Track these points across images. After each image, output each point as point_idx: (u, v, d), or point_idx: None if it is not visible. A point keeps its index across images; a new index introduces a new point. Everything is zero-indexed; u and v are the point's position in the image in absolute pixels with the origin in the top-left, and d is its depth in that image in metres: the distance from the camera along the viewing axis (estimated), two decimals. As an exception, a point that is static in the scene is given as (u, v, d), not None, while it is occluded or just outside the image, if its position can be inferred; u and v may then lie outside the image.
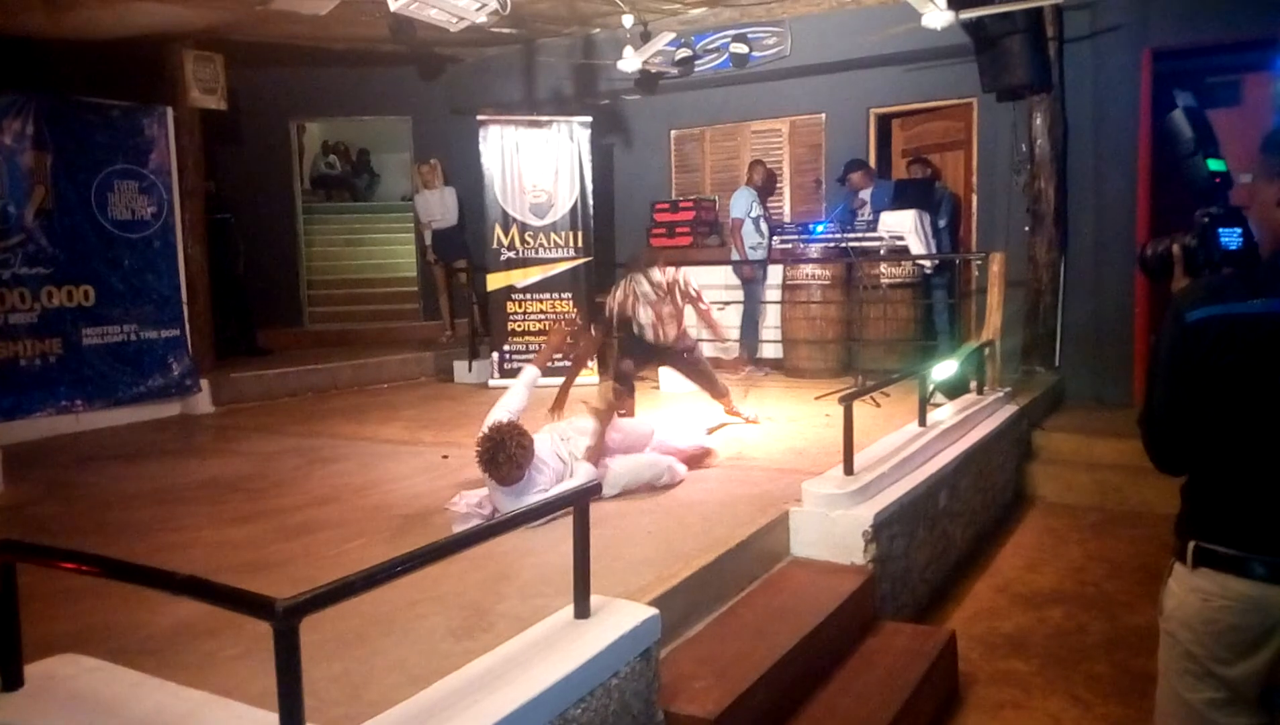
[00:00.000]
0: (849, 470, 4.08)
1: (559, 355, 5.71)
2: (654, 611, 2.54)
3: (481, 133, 8.09)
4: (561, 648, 2.32)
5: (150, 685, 2.21)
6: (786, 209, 9.11)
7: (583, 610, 2.48)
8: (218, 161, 9.08)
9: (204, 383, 7.21)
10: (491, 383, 7.98)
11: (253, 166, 10.15)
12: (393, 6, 4.73)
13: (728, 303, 8.03)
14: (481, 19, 4.89)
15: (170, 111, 7.15)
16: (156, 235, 6.96)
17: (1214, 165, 2.05)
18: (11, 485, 4.90)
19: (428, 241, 9.67)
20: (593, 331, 5.97)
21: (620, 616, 2.49)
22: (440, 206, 9.41)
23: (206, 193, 8.20)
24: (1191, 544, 1.86)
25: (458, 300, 9.59)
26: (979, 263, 7.31)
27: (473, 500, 4.04)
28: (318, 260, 11.52)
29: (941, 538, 4.68)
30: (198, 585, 1.88)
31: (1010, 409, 6.12)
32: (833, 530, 3.82)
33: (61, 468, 5.39)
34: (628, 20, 7.52)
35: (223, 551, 3.69)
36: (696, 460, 4.71)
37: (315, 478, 4.95)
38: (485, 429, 3.84)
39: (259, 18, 7.29)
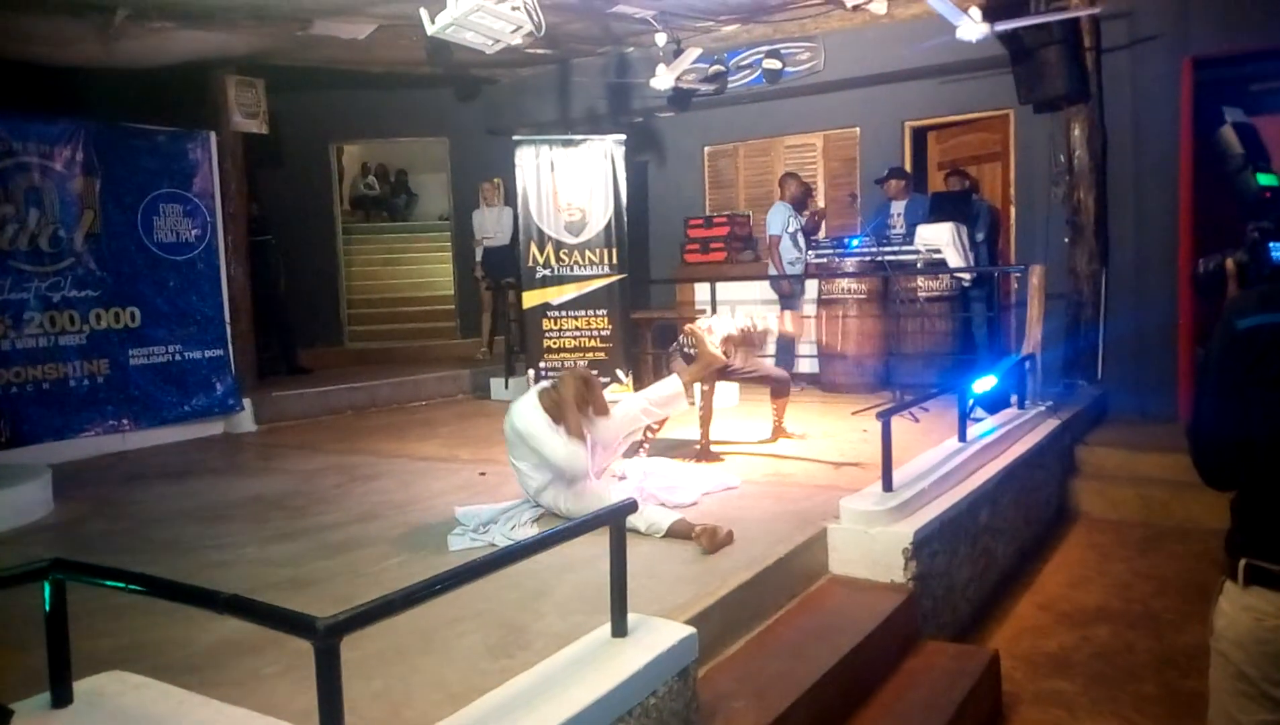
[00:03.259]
0: (888, 486, 4.03)
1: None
2: (691, 630, 2.53)
3: (517, 152, 8.16)
4: (599, 666, 2.32)
5: (194, 703, 2.24)
6: (821, 223, 9.07)
7: (620, 629, 2.47)
8: (259, 184, 9.25)
9: (246, 402, 7.33)
10: (528, 400, 8.02)
11: (293, 188, 10.34)
12: (430, 31, 4.80)
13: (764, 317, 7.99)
14: (516, 41, 4.94)
15: (213, 136, 7.31)
16: (200, 257, 7.10)
17: (1264, 180, 2.02)
18: (61, 503, 5.00)
19: (478, 258, 9.77)
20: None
21: (658, 635, 2.48)
22: (495, 224, 9.52)
23: (249, 215, 8.36)
24: (1243, 562, 1.82)
25: (499, 318, 9.68)
26: (1018, 275, 7.23)
27: (485, 515, 4.14)
28: (357, 280, 11.69)
29: (983, 555, 4.62)
30: (241, 604, 1.90)
31: (1052, 423, 6.03)
32: (872, 547, 3.79)
33: (108, 486, 5.50)
34: (660, 38, 7.57)
35: (265, 568, 3.73)
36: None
37: (355, 495, 5.00)
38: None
39: (300, 43, 7.44)
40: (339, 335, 10.82)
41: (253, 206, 8.62)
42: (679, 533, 3.77)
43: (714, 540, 3.63)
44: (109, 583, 2.19)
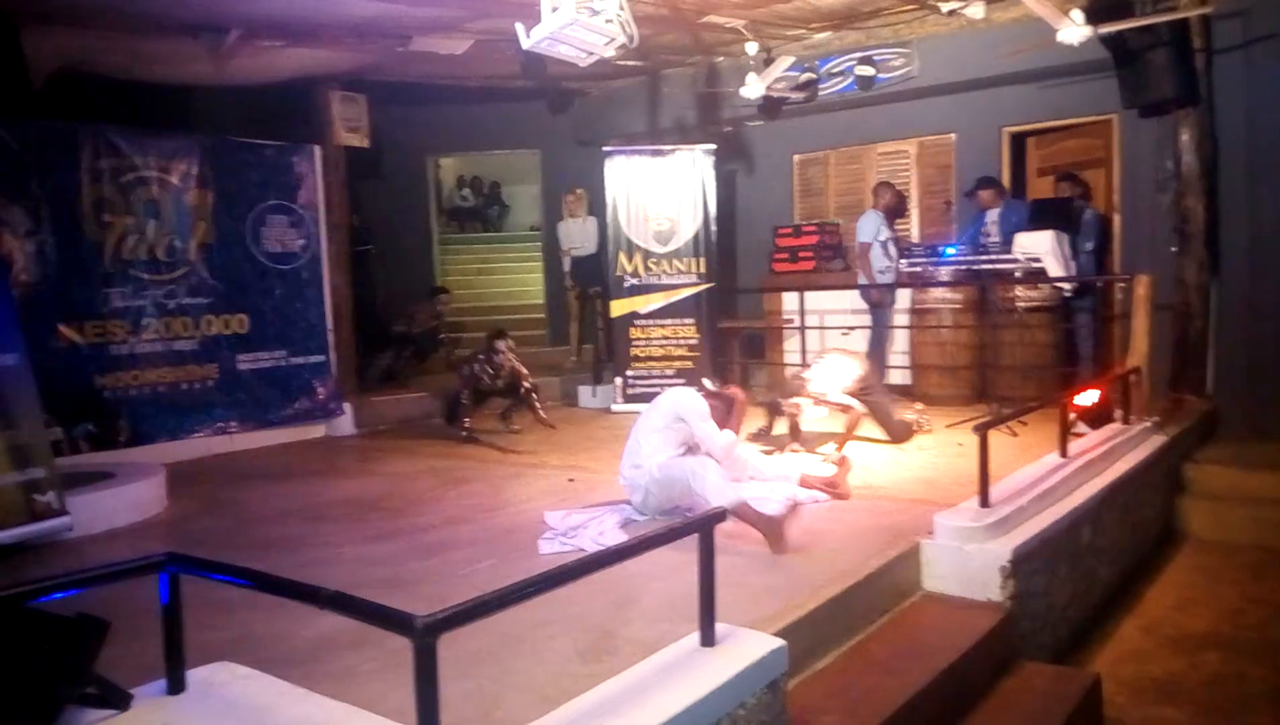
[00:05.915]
0: (985, 502, 3.93)
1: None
2: (781, 642, 2.51)
3: (607, 163, 8.25)
4: (688, 675, 2.32)
5: (296, 695, 2.33)
6: (915, 231, 8.91)
7: (709, 638, 2.47)
8: (360, 196, 9.55)
9: (346, 406, 7.57)
10: (614, 407, 8.08)
11: (392, 200, 10.65)
12: (526, 45, 4.88)
13: (853, 328, 7.90)
14: (610, 53, 4.98)
15: (318, 150, 7.59)
16: (305, 266, 7.38)
17: None
18: (174, 501, 5.25)
19: (566, 268, 9.90)
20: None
21: (747, 646, 2.47)
22: (582, 234, 9.63)
23: (350, 226, 8.64)
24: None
25: (587, 326, 9.77)
26: (1123, 285, 6.96)
27: (574, 520, 4.23)
28: (452, 288, 11.94)
29: (1084, 575, 4.45)
30: (342, 601, 1.98)
31: (1158, 439, 5.78)
32: (967, 565, 3.70)
33: (217, 485, 5.75)
34: (751, 47, 7.54)
35: (363, 567, 3.85)
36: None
37: (448, 498, 5.12)
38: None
39: (400, 59, 7.67)
40: (433, 342, 11.06)
41: (354, 218, 8.91)
42: (745, 517, 3.84)
43: (780, 536, 3.75)
44: (220, 577, 2.29)
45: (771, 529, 3.78)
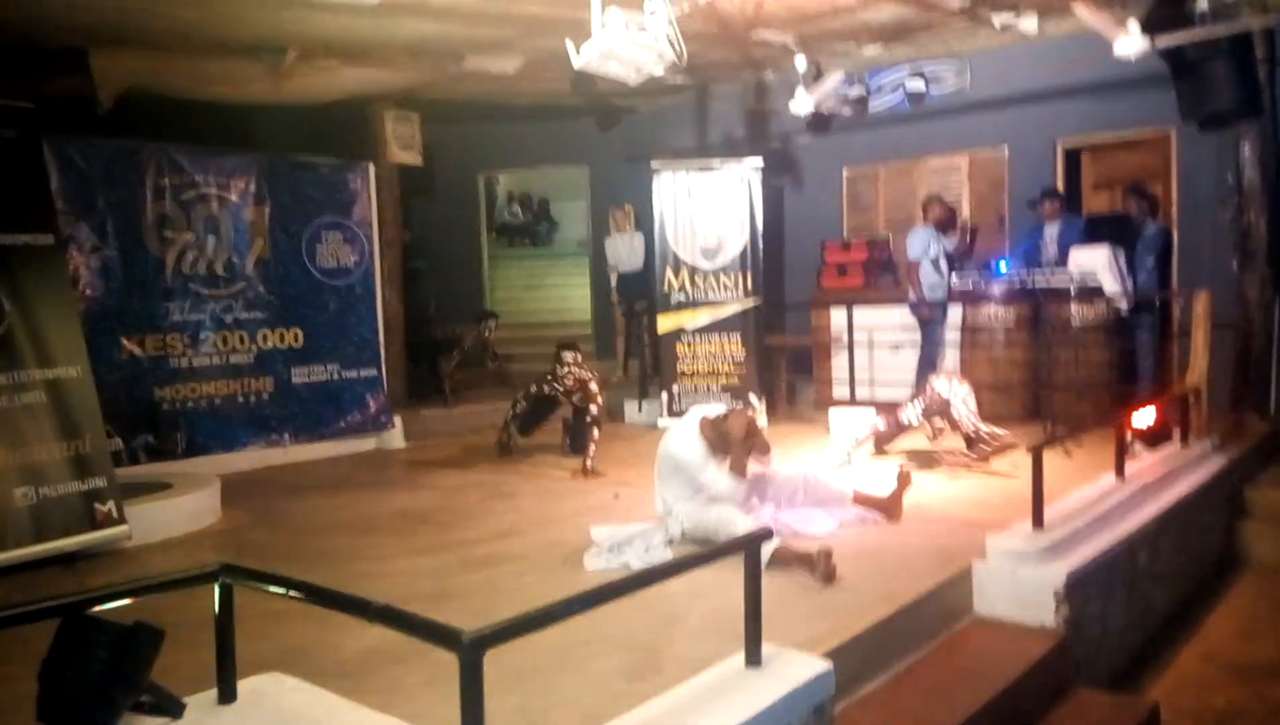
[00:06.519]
0: (1039, 524, 3.85)
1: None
2: (828, 665, 2.49)
3: (654, 179, 8.27)
4: (733, 696, 2.31)
5: (344, 708, 2.35)
6: (973, 242, 8.75)
7: (754, 659, 2.46)
8: (411, 212, 9.69)
9: (397, 419, 7.67)
10: (660, 422, 8.06)
11: (443, 216, 10.79)
12: (576, 64, 4.93)
13: (902, 345, 7.80)
14: (659, 71, 5.01)
15: (371, 167, 7.72)
16: (358, 282, 7.49)
17: None
18: (228, 512, 5.35)
19: (613, 283, 9.93)
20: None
21: (793, 668, 2.45)
22: (628, 250, 9.65)
23: (403, 242, 8.76)
24: None
25: (633, 341, 9.78)
26: (1181, 303, 6.79)
27: (620, 536, 4.19)
28: (500, 303, 12.05)
29: (1141, 600, 4.34)
30: (391, 614, 2.00)
31: (1219, 461, 5.63)
32: (1020, 588, 3.62)
33: (269, 497, 5.85)
34: (800, 62, 7.52)
35: (412, 580, 3.89)
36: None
37: (496, 512, 5.15)
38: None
39: (452, 78, 7.79)
40: (481, 357, 11.17)
41: (405, 234, 9.04)
42: (783, 560, 3.66)
43: (829, 569, 3.58)
44: (272, 588, 2.33)
45: (811, 565, 3.65)
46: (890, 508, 4.57)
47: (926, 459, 5.91)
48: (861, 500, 4.56)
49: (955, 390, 5.88)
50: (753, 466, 4.37)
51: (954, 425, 5.85)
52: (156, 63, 6.72)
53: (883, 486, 4.78)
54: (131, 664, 2.18)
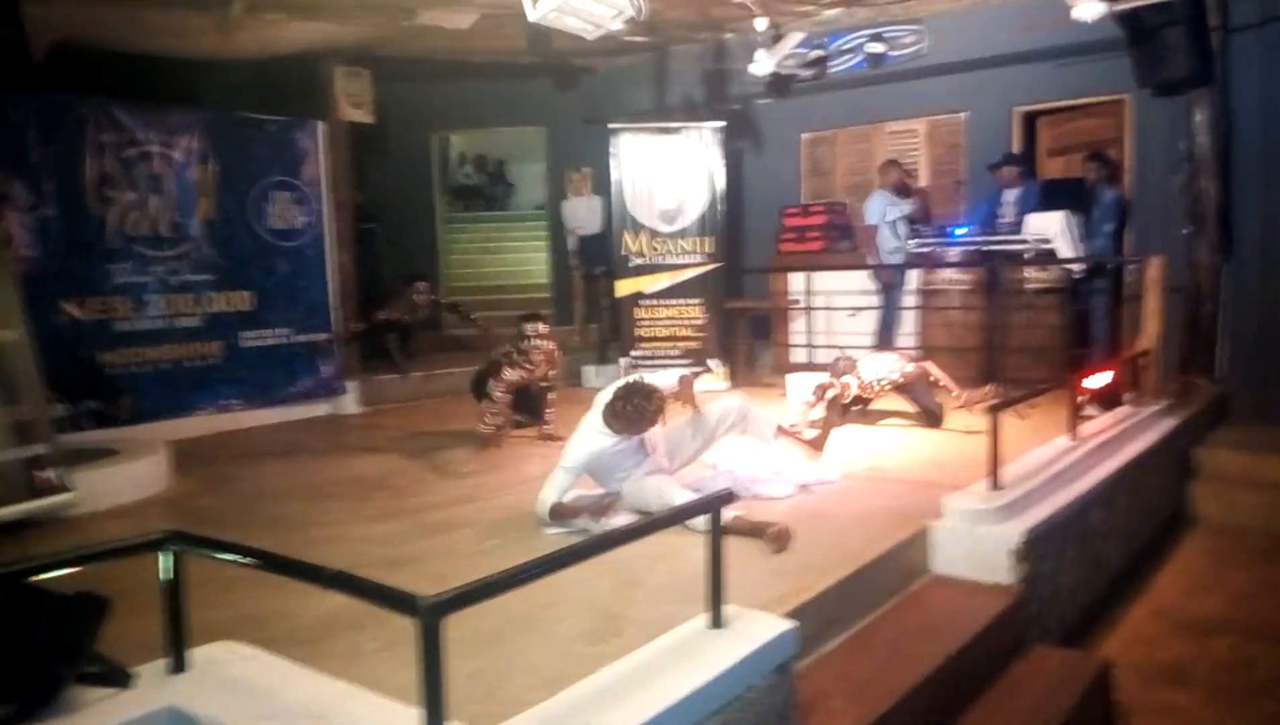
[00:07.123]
0: (995, 484, 3.89)
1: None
2: (791, 624, 2.48)
3: (613, 141, 8.17)
4: (696, 657, 2.29)
5: (300, 675, 2.30)
6: (928, 207, 8.80)
7: (717, 620, 2.44)
8: (364, 173, 9.47)
9: (351, 384, 7.54)
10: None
11: (396, 177, 10.56)
12: (532, 17, 4.81)
13: (860, 309, 7.84)
14: (618, 26, 4.92)
15: (321, 125, 7.51)
16: (308, 244, 7.32)
17: None
18: (177, 478, 5.23)
19: (571, 247, 9.83)
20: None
21: (756, 628, 2.44)
22: (587, 213, 9.55)
23: (355, 203, 8.55)
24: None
25: (592, 306, 9.71)
26: (1134, 267, 6.89)
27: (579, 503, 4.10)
28: (456, 267, 11.89)
29: (1093, 558, 4.42)
30: (347, 580, 1.95)
31: (1169, 423, 5.74)
32: (977, 547, 3.66)
33: (220, 463, 5.73)
34: (760, 23, 7.44)
35: (366, 547, 3.82)
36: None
37: (453, 478, 5.09)
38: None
39: (405, 33, 7.59)
40: (437, 321, 11.03)
41: (357, 195, 8.83)
42: (738, 531, 3.50)
43: (782, 540, 3.52)
44: (224, 555, 2.26)
45: (761, 533, 3.58)
46: (815, 444, 4.60)
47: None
48: (786, 433, 4.54)
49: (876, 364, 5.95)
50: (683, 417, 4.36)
51: (865, 388, 5.88)
52: (94, 12, 6.44)
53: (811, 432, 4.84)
54: (76, 634, 2.11)
